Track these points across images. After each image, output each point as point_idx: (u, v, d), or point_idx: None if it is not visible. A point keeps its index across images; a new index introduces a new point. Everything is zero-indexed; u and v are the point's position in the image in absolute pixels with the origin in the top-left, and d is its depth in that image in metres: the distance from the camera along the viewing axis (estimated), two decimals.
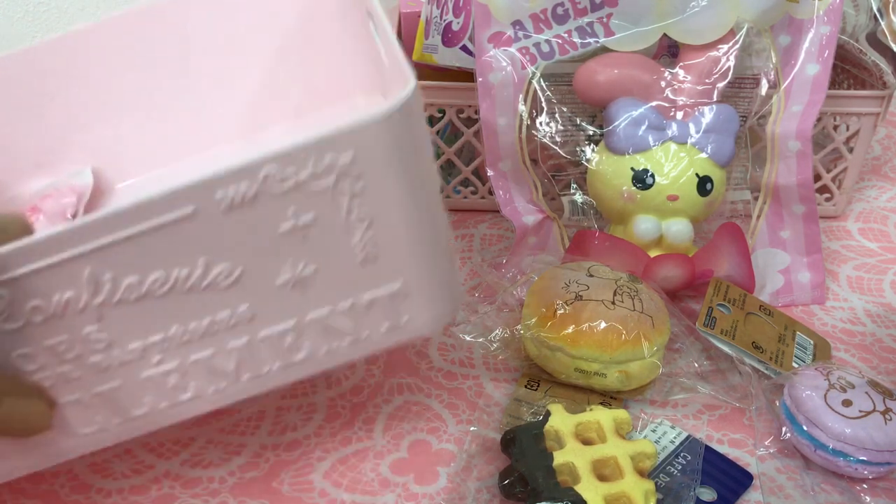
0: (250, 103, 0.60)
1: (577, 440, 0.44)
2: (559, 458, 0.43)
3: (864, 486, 0.46)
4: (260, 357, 0.39)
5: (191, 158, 0.60)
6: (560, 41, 0.58)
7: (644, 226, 0.57)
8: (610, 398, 0.51)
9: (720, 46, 0.58)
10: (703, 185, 0.57)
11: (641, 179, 0.56)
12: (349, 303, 0.38)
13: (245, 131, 0.60)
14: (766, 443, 0.48)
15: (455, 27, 0.62)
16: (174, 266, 0.35)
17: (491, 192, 0.64)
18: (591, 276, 0.52)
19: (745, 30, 0.58)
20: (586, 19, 0.58)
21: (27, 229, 0.37)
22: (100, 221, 0.33)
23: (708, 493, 0.45)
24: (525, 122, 0.59)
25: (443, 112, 0.65)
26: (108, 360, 0.37)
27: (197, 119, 0.60)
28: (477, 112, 0.61)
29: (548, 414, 0.46)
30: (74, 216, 0.57)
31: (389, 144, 0.34)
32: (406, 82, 0.35)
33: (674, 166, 0.56)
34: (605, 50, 0.58)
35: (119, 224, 0.33)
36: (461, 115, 0.65)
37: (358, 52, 0.56)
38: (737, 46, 0.58)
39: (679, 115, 0.58)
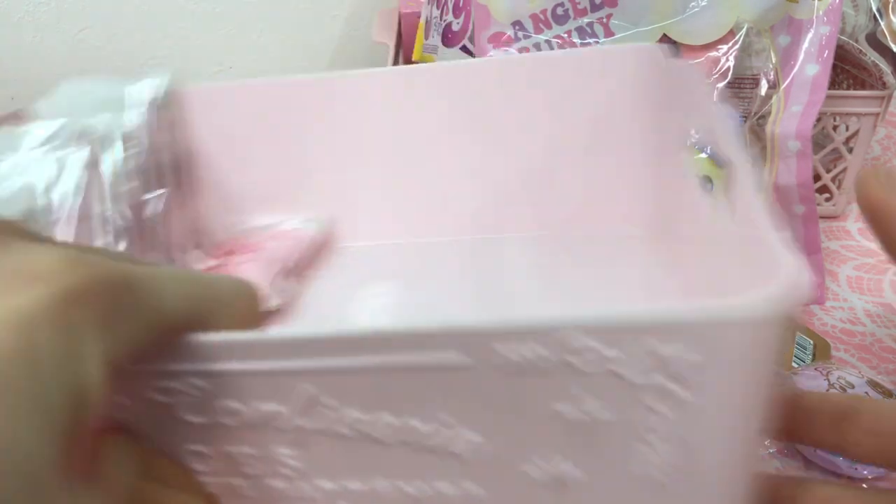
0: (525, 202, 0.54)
1: None
2: None
3: (864, 486, 0.46)
4: None
5: (430, 238, 0.55)
6: (560, 41, 0.58)
7: None
8: None
9: (720, 47, 0.58)
10: (704, 185, 0.57)
11: None
12: None
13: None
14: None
15: (455, 27, 0.62)
16: (411, 415, 0.26)
17: None
18: None
19: (744, 30, 0.58)
20: (586, 20, 0.58)
21: (253, 307, 0.29)
22: (343, 340, 0.25)
23: None
24: None
25: None
26: (291, 490, 0.30)
27: (452, 200, 0.55)
28: None
29: None
30: (294, 267, 0.53)
31: (750, 354, 0.25)
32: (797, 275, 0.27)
33: None
34: None
35: (365, 349, 0.25)
36: None
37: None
38: (736, 47, 0.58)
39: None
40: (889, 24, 0.64)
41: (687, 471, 0.26)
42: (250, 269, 0.50)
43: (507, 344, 0.24)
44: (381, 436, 0.27)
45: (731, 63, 0.58)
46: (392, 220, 0.56)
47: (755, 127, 0.62)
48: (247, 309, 0.28)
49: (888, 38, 0.64)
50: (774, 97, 0.60)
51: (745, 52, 0.60)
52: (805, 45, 0.59)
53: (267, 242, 0.53)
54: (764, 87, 0.60)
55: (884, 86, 0.64)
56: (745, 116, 0.61)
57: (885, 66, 0.64)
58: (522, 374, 0.25)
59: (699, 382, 0.24)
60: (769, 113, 0.60)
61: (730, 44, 0.58)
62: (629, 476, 0.27)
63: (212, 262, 0.53)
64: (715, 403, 0.25)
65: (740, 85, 0.61)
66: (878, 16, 0.64)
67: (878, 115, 0.65)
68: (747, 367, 0.25)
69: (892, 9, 0.64)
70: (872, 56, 0.65)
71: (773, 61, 0.60)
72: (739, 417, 0.26)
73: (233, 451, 0.29)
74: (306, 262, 0.55)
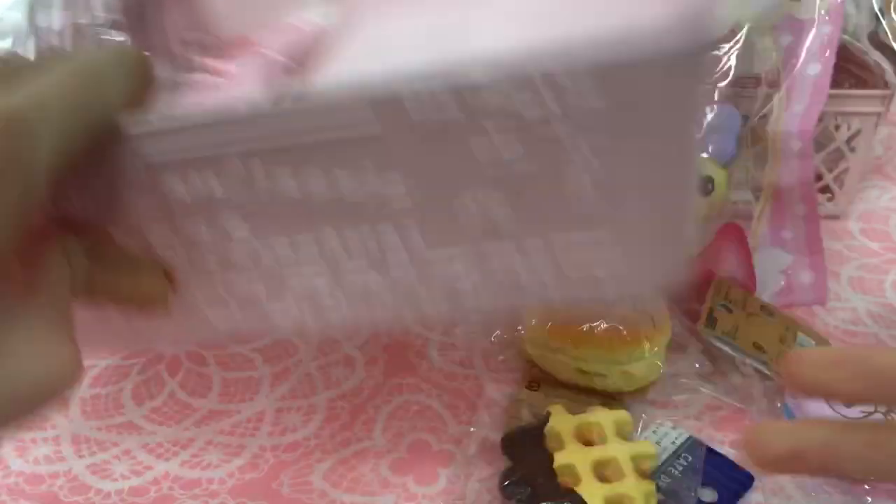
0: None
1: (578, 441, 0.44)
2: (560, 460, 0.43)
3: (866, 486, 0.46)
4: (424, 281, 0.31)
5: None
6: None
7: None
8: (611, 399, 0.51)
9: (721, 46, 0.58)
10: (705, 185, 0.56)
11: None
12: (540, 242, 0.29)
13: None
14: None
15: None
16: (340, 172, 0.28)
17: None
18: None
19: (745, 30, 0.58)
20: None
21: (143, 72, 0.28)
22: (258, 115, 0.27)
23: (709, 494, 0.45)
24: None
25: None
26: (244, 255, 0.31)
27: None
28: None
29: (548, 415, 0.46)
30: (297, 65, 0.45)
31: (665, 97, 0.24)
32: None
33: None
34: None
35: (290, 126, 0.27)
36: None
37: None
38: (737, 46, 0.58)
39: None
40: (891, 23, 0.64)
41: (613, 219, 0.27)
42: (249, 72, 0.46)
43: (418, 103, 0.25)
44: (317, 192, 0.28)
45: (732, 62, 0.58)
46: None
47: (756, 127, 0.62)
48: (137, 76, 0.28)
49: (890, 37, 0.64)
50: (776, 97, 0.60)
51: (746, 51, 0.59)
52: (807, 44, 0.59)
53: (270, 36, 0.47)
54: (765, 87, 0.60)
55: (886, 85, 0.64)
56: (747, 116, 0.61)
57: (887, 66, 0.64)
58: (436, 134, 0.26)
59: (612, 127, 0.25)
60: (771, 112, 0.60)
61: (731, 43, 0.58)
62: (555, 224, 0.28)
63: (210, 63, 0.48)
64: (632, 150, 0.25)
65: (742, 84, 0.61)
66: (879, 15, 0.64)
67: (880, 114, 0.65)
68: (662, 112, 0.24)
69: (894, 8, 0.64)
70: (874, 55, 0.65)
71: (775, 61, 0.60)
72: (661, 166, 0.25)
73: (182, 226, 0.30)
74: (312, 57, 0.44)
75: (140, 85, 0.28)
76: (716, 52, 0.57)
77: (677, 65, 0.23)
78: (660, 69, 0.23)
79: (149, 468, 0.46)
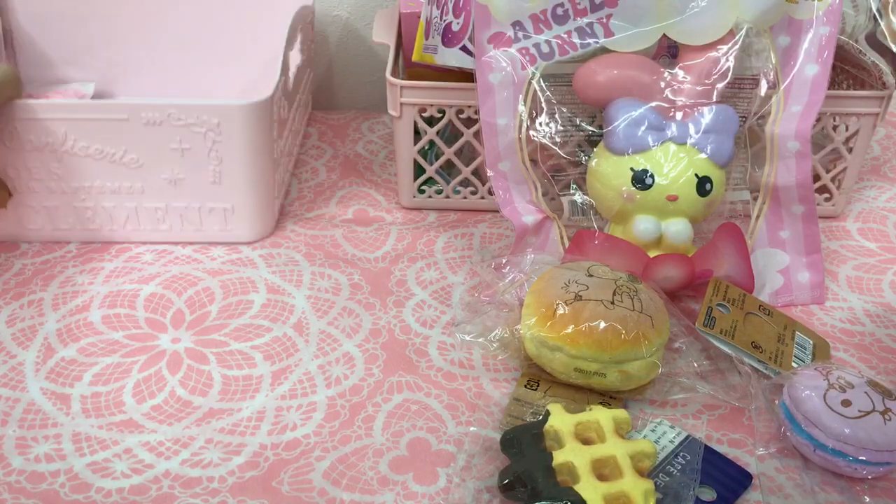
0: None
1: (577, 440, 0.45)
2: (559, 458, 0.43)
3: (864, 485, 0.46)
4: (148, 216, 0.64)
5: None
6: (560, 42, 0.58)
7: (644, 226, 0.57)
8: (609, 398, 0.51)
9: (720, 47, 0.58)
10: (703, 185, 0.57)
11: (641, 180, 0.56)
12: (198, 204, 0.63)
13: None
14: (766, 443, 0.48)
15: (455, 28, 0.62)
16: (108, 144, 0.60)
17: (491, 192, 0.64)
18: (591, 276, 0.52)
19: (744, 30, 0.58)
20: (586, 20, 0.58)
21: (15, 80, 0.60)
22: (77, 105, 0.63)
23: (707, 493, 0.45)
24: (525, 123, 0.59)
25: (443, 112, 0.65)
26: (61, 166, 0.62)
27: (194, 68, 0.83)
28: (477, 112, 0.61)
29: (547, 414, 0.46)
30: None
31: (243, 122, 0.60)
32: (268, 92, 0.61)
33: (673, 167, 0.56)
34: (604, 51, 0.58)
35: (83, 111, 0.60)
36: (461, 116, 0.65)
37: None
38: (736, 47, 0.58)
39: (678, 115, 0.58)
40: (889, 24, 0.64)
41: (227, 175, 0.62)
42: None
43: (147, 112, 0.60)
44: (96, 154, 0.61)
45: (730, 63, 0.58)
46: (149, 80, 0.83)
47: (755, 127, 0.62)
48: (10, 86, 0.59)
49: (888, 38, 0.64)
50: (774, 97, 0.60)
51: (745, 52, 0.60)
52: (805, 45, 0.59)
53: (53, 95, 0.77)
54: (764, 88, 0.60)
55: (883, 86, 0.65)
56: (745, 117, 0.61)
57: (884, 66, 0.64)
58: (154, 126, 0.60)
59: (226, 132, 0.60)
60: (769, 113, 0.60)
61: (729, 44, 0.58)
62: (206, 176, 0.62)
63: None
64: (233, 142, 0.61)
65: (740, 85, 0.61)
66: (877, 16, 0.64)
67: (877, 115, 0.65)
68: (248, 125, 0.60)
69: (892, 9, 0.64)
70: (872, 56, 0.65)
71: (773, 61, 0.60)
72: (249, 150, 0.62)
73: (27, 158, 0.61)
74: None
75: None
76: (714, 54, 0.58)
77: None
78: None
79: (149, 467, 0.47)
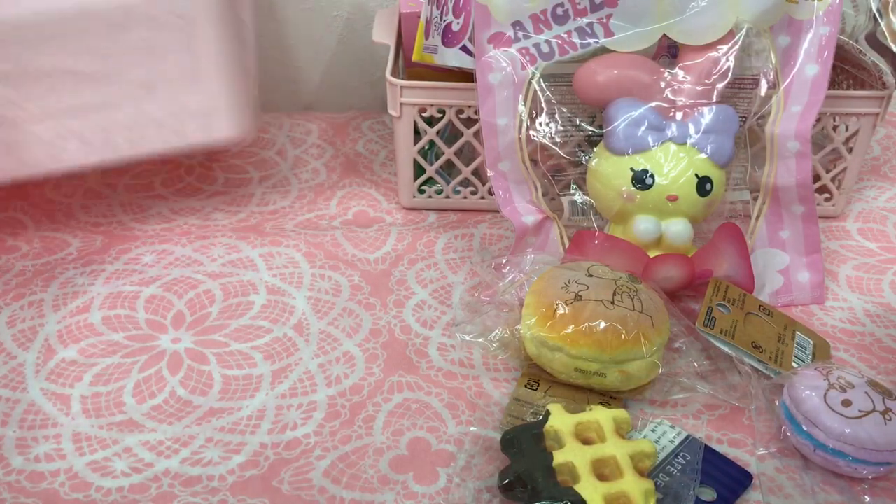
0: None
1: (577, 440, 0.45)
2: (559, 458, 0.43)
3: (864, 485, 0.46)
4: (114, 128, 0.58)
5: None
6: (560, 42, 0.58)
7: (644, 226, 0.57)
8: (609, 398, 0.51)
9: (720, 47, 0.58)
10: (703, 185, 0.57)
11: (641, 180, 0.56)
12: (179, 106, 0.58)
13: None
14: (766, 443, 0.48)
15: (455, 28, 0.62)
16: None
17: (491, 192, 0.64)
18: (591, 276, 0.52)
19: (744, 30, 0.58)
20: (586, 20, 0.58)
21: None
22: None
23: (707, 493, 0.45)
24: (525, 123, 0.59)
25: (443, 112, 0.65)
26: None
27: None
28: (477, 112, 0.61)
29: (547, 414, 0.46)
30: None
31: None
32: None
33: (673, 167, 0.56)
34: (604, 50, 0.58)
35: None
36: (461, 116, 0.65)
37: None
38: (736, 47, 0.58)
39: (679, 115, 0.58)
40: (889, 24, 0.64)
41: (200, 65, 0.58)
42: None
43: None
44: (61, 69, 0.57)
45: (730, 63, 0.58)
46: None
47: (755, 127, 0.62)
48: None
49: (888, 38, 0.64)
50: (774, 97, 0.60)
51: (744, 52, 0.60)
52: (805, 45, 0.59)
53: None
54: (764, 88, 0.60)
55: (883, 86, 0.65)
56: (745, 117, 0.61)
57: (884, 67, 0.64)
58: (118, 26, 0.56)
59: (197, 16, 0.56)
60: (769, 113, 0.60)
61: (729, 44, 0.58)
62: (179, 72, 0.58)
63: None
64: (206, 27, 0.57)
65: (740, 85, 0.61)
66: (877, 16, 0.64)
67: (877, 115, 0.65)
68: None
69: (892, 9, 0.64)
70: (872, 56, 0.65)
71: (773, 61, 0.60)
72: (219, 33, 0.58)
73: None
74: None
75: None
76: (714, 54, 0.58)
77: None
78: None
79: (149, 466, 0.47)
